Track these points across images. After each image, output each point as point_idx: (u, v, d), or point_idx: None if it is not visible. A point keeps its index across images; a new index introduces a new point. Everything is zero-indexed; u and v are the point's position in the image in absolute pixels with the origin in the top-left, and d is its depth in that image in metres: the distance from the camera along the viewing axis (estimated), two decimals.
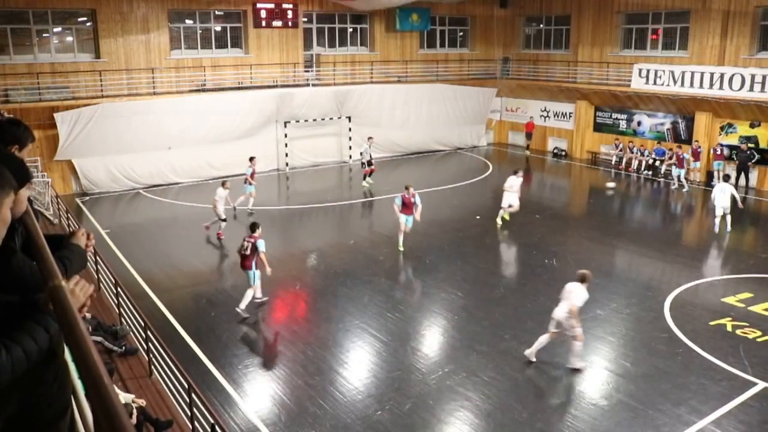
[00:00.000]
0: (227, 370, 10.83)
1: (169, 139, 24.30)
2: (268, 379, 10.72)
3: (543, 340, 11.14)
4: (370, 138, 25.86)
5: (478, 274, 15.77)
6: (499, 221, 19.45)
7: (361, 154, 25.71)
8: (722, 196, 18.66)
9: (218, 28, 26.85)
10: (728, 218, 18.72)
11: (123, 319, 10.62)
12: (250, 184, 20.36)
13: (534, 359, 11.18)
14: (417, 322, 13.14)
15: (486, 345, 11.88)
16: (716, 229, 18.78)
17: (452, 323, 13.06)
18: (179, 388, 8.60)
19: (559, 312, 10.92)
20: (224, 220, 17.97)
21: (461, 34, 34.23)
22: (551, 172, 29.45)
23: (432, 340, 12.54)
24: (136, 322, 10.27)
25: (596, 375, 11.04)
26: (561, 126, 31.93)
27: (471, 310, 13.60)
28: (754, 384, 10.58)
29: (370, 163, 24.92)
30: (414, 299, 14.27)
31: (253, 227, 13.18)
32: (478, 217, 20.77)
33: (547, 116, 32.57)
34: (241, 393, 10.20)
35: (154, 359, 9.29)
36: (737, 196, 18.95)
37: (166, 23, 25.16)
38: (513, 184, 19.38)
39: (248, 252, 12.85)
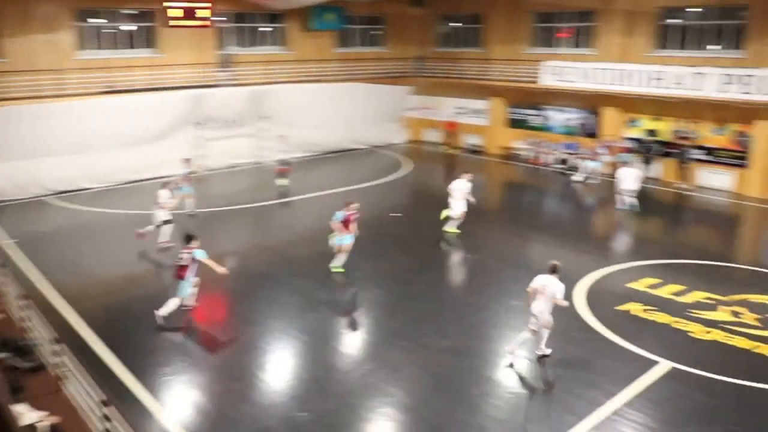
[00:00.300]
0: (145, 380, 10.55)
1: (78, 142, 23.42)
2: (188, 386, 10.52)
3: (525, 336, 11.21)
4: (283, 136, 25.84)
5: (398, 270, 15.92)
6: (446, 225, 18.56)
7: (277, 154, 25.69)
8: (629, 179, 20.66)
9: (129, 28, 26.08)
10: (634, 200, 20.76)
11: (32, 333, 10.21)
12: (184, 187, 19.97)
13: (512, 355, 11.29)
14: (337, 321, 13.18)
15: (406, 340, 12.03)
16: (624, 207, 20.83)
17: (373, 320, 13.17)
18: (94, 401, 8.34)
19: (539, 307, 10.98)
20: (158, 226, 17.39)
21: (377, 32, 34.42)
22: (467, 168, 29.93)
23: (353, 338, 12.60)
24: (46, 335, 9.89)
25: (514, 363, 11.36)
26: (475, 122, 32.56)
27: (391, 306, 13.74)
28: (660, 364, 11.14)
29: (285, 162, 24.93)
30: (334, 298, 14.29)
31: (189, 239, 12.98)
32: (399, 214, 20.98)
33: (462, 113, 33.17)
34: (161, 402, 9.98)
35: (66, 373, 8.98)
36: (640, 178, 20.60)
37: (73, 22, 24.28)
38: (456, 188, 18.34)
39: (184, 263, 12.71)
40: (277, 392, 10.26)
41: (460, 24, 33.81)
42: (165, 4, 25.44)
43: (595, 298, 14.07)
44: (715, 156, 24.63)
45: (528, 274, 15.58)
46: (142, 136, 24.86)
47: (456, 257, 16.77)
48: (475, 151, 31.96)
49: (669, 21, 26.01)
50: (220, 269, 12.82)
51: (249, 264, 16.38)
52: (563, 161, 28.33)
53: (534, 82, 28.80)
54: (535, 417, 9.60)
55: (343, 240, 15.24)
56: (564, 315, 13.22)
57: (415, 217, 21.16)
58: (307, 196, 23.01)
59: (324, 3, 29.54)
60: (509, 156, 30.62)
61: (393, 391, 10.32)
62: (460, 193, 18.34)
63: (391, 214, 20.88)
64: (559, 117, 29.34)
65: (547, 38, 30.01)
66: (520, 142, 30.62)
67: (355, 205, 15.43)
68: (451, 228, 18.49)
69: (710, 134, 24.64)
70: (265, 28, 30.15)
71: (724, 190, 24.24)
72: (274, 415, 9.61)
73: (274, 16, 30.11)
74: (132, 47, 26.12)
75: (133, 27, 26.22)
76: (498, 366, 11.25)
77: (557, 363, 11.27)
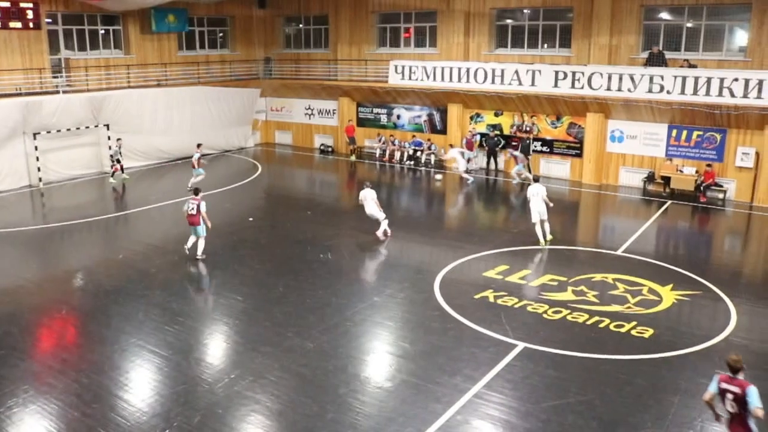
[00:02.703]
0: None
1: None
2: (38, 417, 9.78)
3: None
4: (119, 139, 26.07)
5: (256, 275, 15.73)
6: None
7: (111, 156, 25.77)
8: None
9: None
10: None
11: None
12: (198, 167, 23.78)
13: None
14: (198, 331, 12.79)
15: (270, 345, 11.90)
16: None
17: (234, 328, 12.91)
18: None
19: None
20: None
21: (221, 34, 33.75)
22: (319, 168, 30.14)
23: (215, 348, 12.30)
24: None
25: (378, 359, 11.56)
26: (326, 123, 32.80)
27: (251, 312, 13.54)
28: (515, 346, 11.77)
29: (119, 161, 25.56)
30: (192, 309, 13.86)
31: (196, 192, 16.64)
32: (251, 219, 20.71)
33: (312, 114, 33.29)
34: None
35: None
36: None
37: None
38: (537, 192, 17.41)
39: (194, 212, 16.14)
40: (139, 411, 9.80)
41: (306, 25, 33.84)
42: None
43: (451, 288, 14.59)
44: (553, 147, 26.31)
45: (385, 270, 16.07)
46: None
47: (313, 258, 16.76)
48: (326, 150, 32.16)
49: (504, 21, 27.48)
50: (209, 224, 16.40)
51: (99, 280, 15.51)
52: (412, 157, 29.15)
53: (380, 81, 29.40)
54: (404, 409, 9.80)
55: None
56: (424, 307, 13.65)
57: (270, 220, 20.96)
58: (156, 205, 22.15)
59: (165, 5, 28.55)
60: (360, 154, 31.05)
61: (260, 397, 10.18)
62: (537, 198, 17.40)
63: (250, 219, 20.61)
64: (407, 114, 30.13)
65: (391, 38, 30.74)
66: (370, 141, 31.17)
67: None
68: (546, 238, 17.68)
69: (548, 127, 26.28)
70: (102, 30, 28.62)
71: (563, 178, 25.98)
72: None
73: (110, 18, 28.68)
74: None
75: None
76: (364, 363, 11.40)
77: (420, 354, 11.58)
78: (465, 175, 25.58)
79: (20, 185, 24.64)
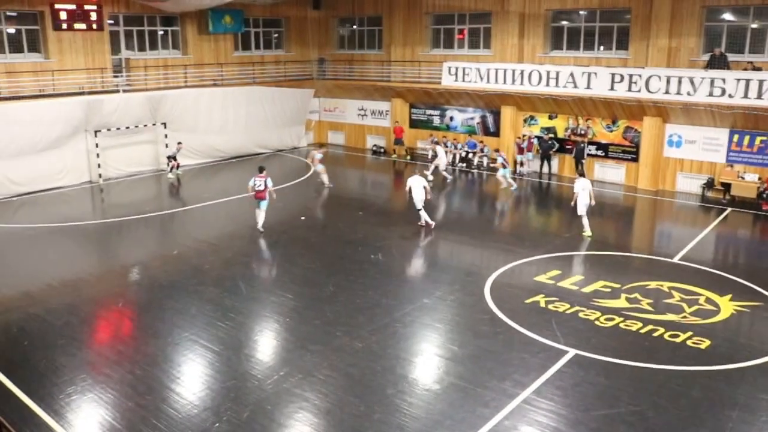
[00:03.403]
0: (47, 402, 10.04)
1: None
2: (94, 405, 10.08)
3: None
4: (179, 143, 26.68)
5: (306, 274, 15.85)
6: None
7: (168, 157, 26.73)
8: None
9: (12, 31, 24.71)
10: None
11: None
12: (317, 165, 24.95)
13: None
14: (248, 328, 12.98)
15: (319, 344, 11.98)
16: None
17: (284, 326, 13.04)
18: None
19: None
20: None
21: (276, 35, 34.16)
22: (372, 169, 30.23)
23: (265, 344, 12.45)
24: None
25: (427, 361, 11.52)
26: (378, 124, 32.88)
27: (301, 310, 13.65)
28: (566, 352, 11.58)
29: (175, 158, 26.56)
30: (243, 305, 14.05)
31: (261, 169, 18.38)
32: (303, 218, 20.88)
33: (365, 115, 33.41)
34: (66, 425, 9.51)
35: None
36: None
37: None
38: (584, 186, 18.49)
39: (262, 187, 17.98)
40: (190, 404, 9.99)
41: (360, 26, 34.01)
42: (56, 6, 24.36)
43: (502, 292, 14.46)
44: (608, 151, 25.82)
45: (436, 272, 16.03)
46: (33, 146, 23.61)
47: (364, 258, 16.81)
48: (379, 151, 32.22)
49: (560, 23, 27.12)
50: (275, 196, 18.55)
51: (154, 275, 15.88)
52: (464, 159, 29.00)
53: (433, 82, 29.33)
54: (452, 412, 9.76)
55: None
56: (474, 310, 13.56)
57: (321, 220, 21.12)
58: (211, 202, 22.55)
59: (221, 6, 29.05)
60: (413, 156, 31.02)
61: (309, 395, 10.26)
62: (585, 192, 18.41)
63: (302, 218, 20.80)
64: (460, 116, 29.99)
65: (444, 40, 30.65)
66: (422, 142, 31.11)
67: None
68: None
69: (603, 131, 25.81)
70: (161, 31, 29.30)
71: (618, 183, 25.47)
72: (187, 428, 9.34)
73: (169, 20, 29.33)
74: (16, 52, 24.73)
75: (17, 29, 24.79)
76: (412, 364, 11.39)
77: (469, 357, 11.50)
78: (444, 173, 26.20)
79: (81, 181, 25.38)
